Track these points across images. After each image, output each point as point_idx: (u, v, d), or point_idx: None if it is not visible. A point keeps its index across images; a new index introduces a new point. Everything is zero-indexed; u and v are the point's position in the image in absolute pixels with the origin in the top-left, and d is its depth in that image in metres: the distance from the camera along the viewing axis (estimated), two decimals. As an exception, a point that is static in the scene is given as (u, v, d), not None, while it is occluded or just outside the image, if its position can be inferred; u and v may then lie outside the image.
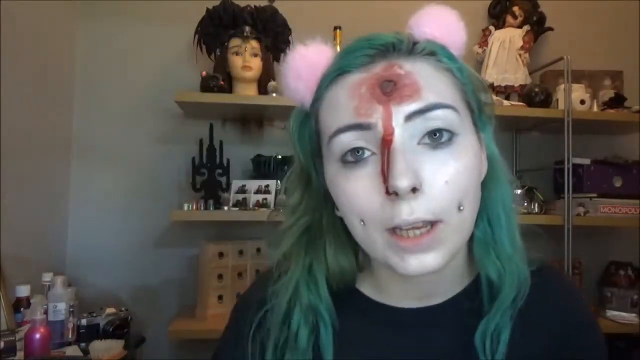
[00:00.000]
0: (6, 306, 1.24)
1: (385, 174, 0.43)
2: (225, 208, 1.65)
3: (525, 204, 1.74)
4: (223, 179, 1.69)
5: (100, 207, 1.82)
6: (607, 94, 1.88)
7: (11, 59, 1.38)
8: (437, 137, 0.45)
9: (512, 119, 1.82)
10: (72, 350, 1.29)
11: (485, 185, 0.52)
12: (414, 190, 0.43)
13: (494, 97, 1.77)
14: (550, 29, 1.98)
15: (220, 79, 1.64)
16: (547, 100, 1.78)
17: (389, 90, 0.45)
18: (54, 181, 1.72)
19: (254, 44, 1.69)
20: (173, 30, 1.84)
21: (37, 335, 1.14)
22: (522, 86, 1.89)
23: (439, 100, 0.45)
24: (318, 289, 0.53)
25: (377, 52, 0.47)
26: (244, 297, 0.61)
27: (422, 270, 0.45)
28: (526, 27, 1.92)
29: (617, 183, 1.82)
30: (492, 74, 1.90)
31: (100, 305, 1.50)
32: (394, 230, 0.44)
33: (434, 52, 0.48)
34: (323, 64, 0.50)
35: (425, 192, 0.44)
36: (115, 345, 1.32)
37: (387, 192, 0.43)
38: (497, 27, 1.96)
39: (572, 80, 1.74)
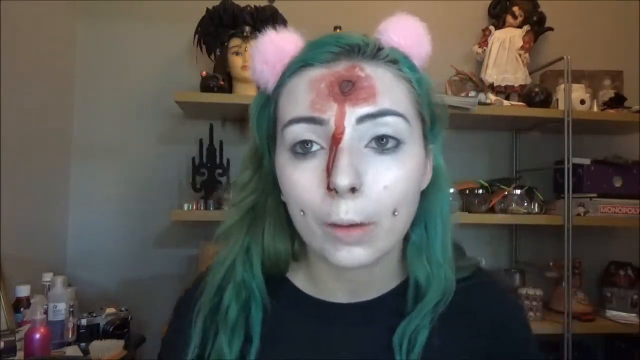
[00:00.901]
0: (6, 306, 1.24)
1: (330, 170, 0.45)
2: (226, 208, 1.65)
3: (526, 204, 1.74)
4: (223, 179, 1.70)
5: (100, 207, 1.82)
6: (607, 94, 1.88)
7: (11, 59, 1.38)
8: (383, 143, 0.47)
9: (512, 119, 1.82)
10: (72, 350, 1.29)
11: (428, 194, 0.54)
12: (353, 190, 0.44)
13: (494, 98, 1.77)
14: (550, 29, 1.98)
15: (220, 79, 1.64)
16: (547, 100, 1.78)
17: (347, 90, 0.46)
18: (54, 181, 1.72)
19: (253, 44, 1.68)
20: (173, 30, 1.84)
21: (37, 335, 1.14)
22: (522, 86, 1.89)
23: (392, 107, 0.47)
24: (252, 268, 0.55)
25: (342, 51, 0.48)
26: (186, 290, 0.62)
27: (352, 261, 0.46)
28: (526, 27, 1.92)
29: (617, 183, 1.82)
30: (492, 74, 1.90)
31: (100, 305, 1.50)
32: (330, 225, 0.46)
33: (396, 60, 0.50)
34: (291, 52, 0.51)
35: (364, 194, 0.45)
36: (115, 345, 1.32)
37: (328, 188, 0.44)
38: (497, 27, 1.96)
39: (572, 80, 1.74)
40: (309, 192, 0.46)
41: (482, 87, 1.87)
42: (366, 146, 0.46)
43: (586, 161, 1.81)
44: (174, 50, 1.85)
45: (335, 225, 0.45)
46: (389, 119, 0.46)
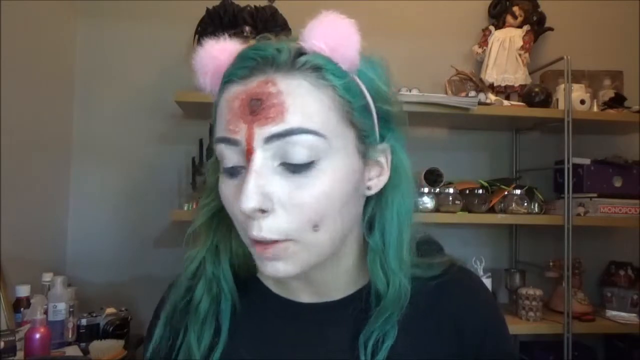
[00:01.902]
0: (6, 306, 1.24)
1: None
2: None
3: (526, 204, 1.74)
4: (223, 179, 1.69)
5: (100, 207, 1.82)
6: (607, 94, 1.87)
7: (11, 58, 1.38)
8: (295, 163, 0.46)
9: (512, 119, 1.82)
10: (72, 350, 1.29)
11: (385, 194, 0.53)
12: (263, 211, 0.45)
13: (494, 98, 1.77)
14: (550, 29, 1.98)
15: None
16: (547, 100, 1.78)
17: (256, 109, 0.45)
18: (54, 181, 1.72)
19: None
20: (173, 30, 1.84)
21: (37, 335, 1.14)
22: (522, 86, 1.89)
23: (302, 125, 0.45)
24: (221, 266, 0.56)
25: (257, 64, 0.47)
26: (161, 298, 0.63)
27: (276, 274, 0.48)
28: (526, 27, 1.92)
29: (617, 183, 1.82)
30: (492, 74, 1.90)
31: (100, 305, 1.50)
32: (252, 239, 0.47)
33: (318, 67, 0.47)
34: (226, 62, 0.50)
35: (276, 213, 0.46)
36: (115, 345, 1.32)
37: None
38: (497, 27, 1.96)
39: (572, 80, 1.73)
40: (234, 209, 0.48)
41: (482, 87, 1.87)
42: (279, 165, 0.46)
43: (586, 161, 1.81)
44: (174, 50, 1.85)
45: (256, 241, 0.47)
46: (299, 137, 0.45)
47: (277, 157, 0.46)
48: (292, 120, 0.45)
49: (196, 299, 0.55)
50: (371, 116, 0.51)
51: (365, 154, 0.50)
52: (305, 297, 0.56)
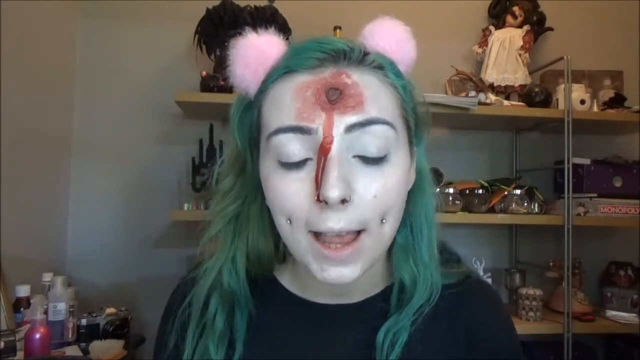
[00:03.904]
0: (6, 306, 1.24)
1: (319, 181, 0.44)
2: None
3: (526, 204, 1.74)
4: (223, 179, 1.69)
5: (100, 207, 1.82)
6: (607, 94, 1.88)
7: (11, 58, 1.38)
8: (371, 153, 0.46)
9: (512, 119, 1.82)
10: (72, 350, 1.29)
11: (412, 195, 0.54)
12: (344, 201, 0.44)
13: (494, 98, 1.77)
14: (550, 29, 1.98)
15: (220, 79, 1.64)
16: (547, 100, 1.78)
17: (335, 98, 0.45)
18: (54, 181, 1.72)
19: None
20: (173, 30, 1.84)
21: (37, 335, 1.14)
22: (522, 86, 1.89)
23: (380, 116, 0.46)
24: (238, 276, 0.54)
25: (327, 56, 0.47)
26: (170, 296, 0.63)
27: (340, 281, 0.46)
28: (526, 27, 1.92)
29: (617, 183, 1.82)
30: (492, 74, 1.90)
31: (100, 305, 1.50)
32: (318, 236, 0.46)
33: (382, 66, 0.49)
34: (273, 56, 0.49)
35: (354, 204, 0.45)
36: (115, 345, 1.32)
37: (318, 200, 0.44)
38: (497, 27, 1.96)
39: (572, 80, 1.73)
40: (296, 202, 0.46)
41: (482, 87, 1.87)
42: (354, 156, 0.46)
43: (586, 161, 1.81)
44: (174, 50, 1.85)
45: (324, 242, 0.45)
46: (377, 127, 0.46)
47: (352, 149, 0.46)
48: (370, 110, 0.45)
49: (211, 312, 0.54)
50: (413, 120, 0.52)
51: (410, 153, 0.52)
52: (324, 298, 0.55)
